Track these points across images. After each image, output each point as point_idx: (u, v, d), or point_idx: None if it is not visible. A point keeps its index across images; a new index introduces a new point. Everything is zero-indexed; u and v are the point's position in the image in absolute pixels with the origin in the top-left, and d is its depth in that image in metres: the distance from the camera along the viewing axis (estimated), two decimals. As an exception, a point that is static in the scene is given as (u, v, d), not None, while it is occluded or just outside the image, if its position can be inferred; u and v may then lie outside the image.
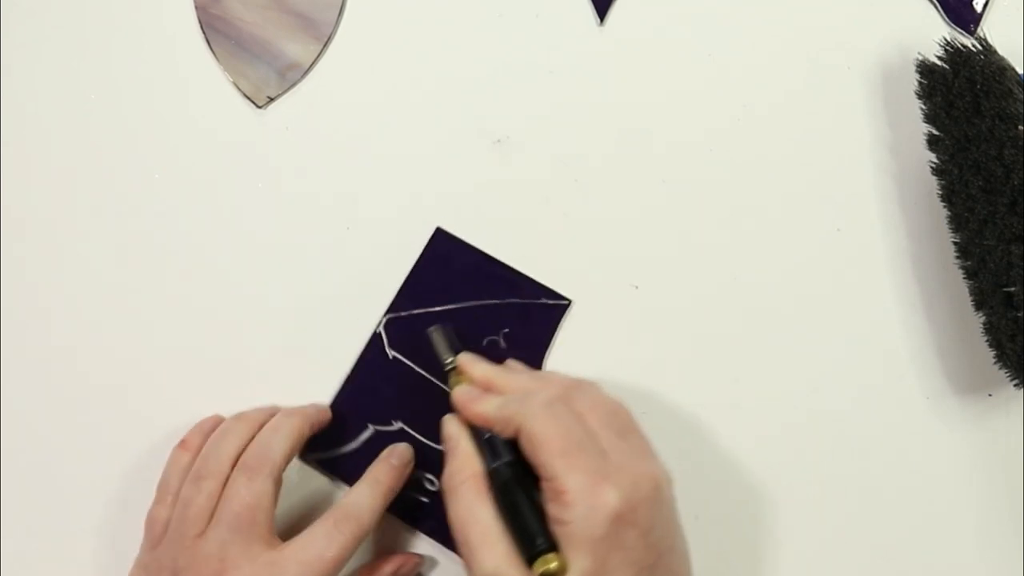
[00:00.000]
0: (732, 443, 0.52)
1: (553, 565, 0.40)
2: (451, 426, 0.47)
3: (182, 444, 0.50)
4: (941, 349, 0.52)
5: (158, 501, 0.49)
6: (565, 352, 0.52)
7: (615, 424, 0.44)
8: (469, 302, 0.52)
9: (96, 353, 0.53)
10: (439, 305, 0.52)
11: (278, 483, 0.47)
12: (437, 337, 0.50)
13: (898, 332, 0.52)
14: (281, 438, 0.48)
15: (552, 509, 0.42)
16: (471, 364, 0.49)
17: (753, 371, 0.52)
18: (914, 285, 0.52)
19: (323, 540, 0.46)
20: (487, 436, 0.45)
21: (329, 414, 0.52)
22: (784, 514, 0.51)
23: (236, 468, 0.47)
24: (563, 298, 0.53)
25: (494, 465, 0.44)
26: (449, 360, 0.49)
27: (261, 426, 0.49)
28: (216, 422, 0.51)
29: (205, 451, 0.49)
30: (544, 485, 0.42)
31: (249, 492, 0.46)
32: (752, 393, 0.52)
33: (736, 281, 0.53)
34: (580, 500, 0.41)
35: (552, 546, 0.41)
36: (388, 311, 0.52)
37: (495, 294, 0.53)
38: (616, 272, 0.53)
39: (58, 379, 0.53)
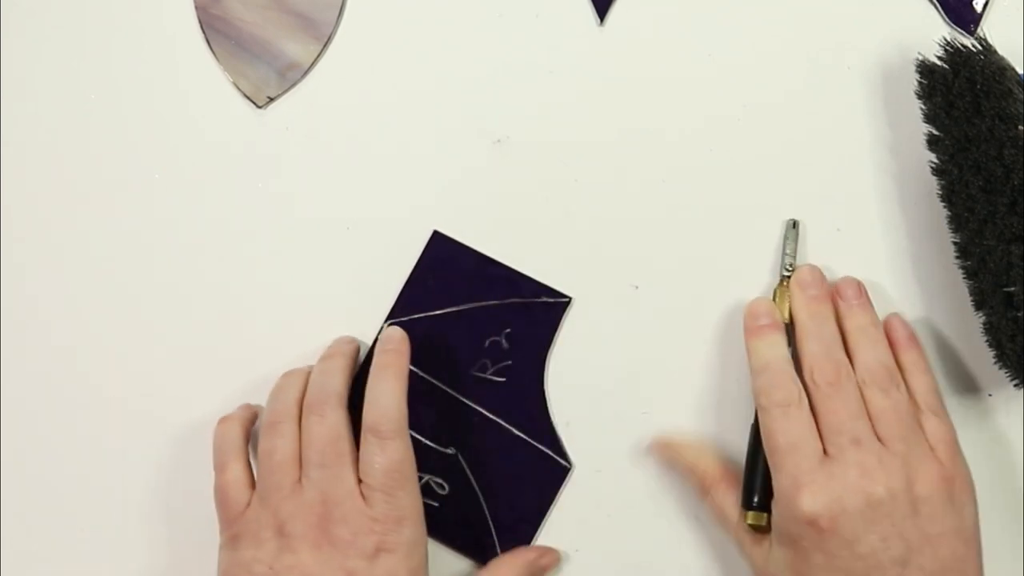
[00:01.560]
0: (733, 444, 0.52)
1: (762, 523, 0.47)
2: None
3: (225, 419, 0.50)
4: (941, 349, 0.52)
5: (220, 470, 0.48)
6: (566, 353, 0.52)
7: (866, 432, 0.46)
8: (469, 304, 0.52)
9: (96, 353, 0.53)
10: (439, 308, 0.52)
11: (347, 411, 0.48)
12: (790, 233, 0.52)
13: (898, 332, 0.52)
14: (333, 375, 0.49)
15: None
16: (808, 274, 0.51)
17: (753, 371, 0.52)
18: (914, 285, 0.52)
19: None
20: None
21: (358, 344, 0.52)
22: (784, 514, 0.51)
23: (303, 413, 0.48)
24: (563, 295, 0.53)
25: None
26: (790, 265, 0.51)
27: (308, 377, 0.50)
28: (250, 408, 0.51)
29: (269, 404, 0.49)
30: None
31: (325, 427, 0.47)
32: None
33: (736, 281, 0.53)
34: (780, 499, 0.45)
35: (764, 507, 0.47)
36: (389, 316, 0.52)
37: (495, 294, 0.53)
38: (616, 272, 0.53)
39: (58, 379, 0.53)
